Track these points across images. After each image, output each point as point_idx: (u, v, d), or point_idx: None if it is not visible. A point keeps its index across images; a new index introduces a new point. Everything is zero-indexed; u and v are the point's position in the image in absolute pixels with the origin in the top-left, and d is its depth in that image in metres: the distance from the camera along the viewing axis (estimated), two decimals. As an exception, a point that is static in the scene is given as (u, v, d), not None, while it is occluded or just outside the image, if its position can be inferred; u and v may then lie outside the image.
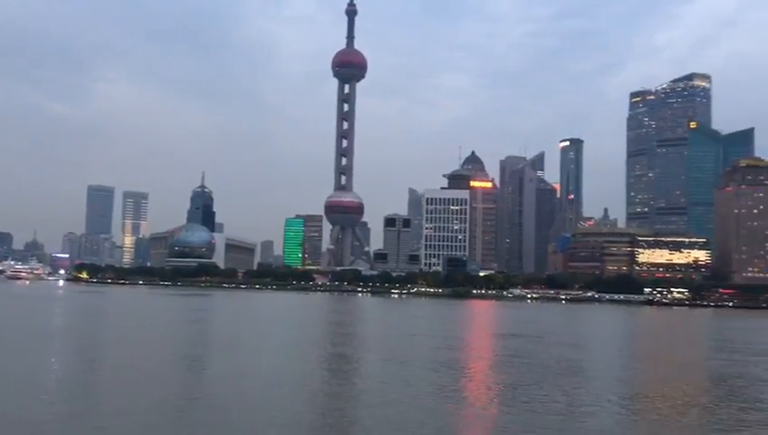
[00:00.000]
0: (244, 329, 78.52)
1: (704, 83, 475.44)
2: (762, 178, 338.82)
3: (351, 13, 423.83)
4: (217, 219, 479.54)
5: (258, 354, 50.02)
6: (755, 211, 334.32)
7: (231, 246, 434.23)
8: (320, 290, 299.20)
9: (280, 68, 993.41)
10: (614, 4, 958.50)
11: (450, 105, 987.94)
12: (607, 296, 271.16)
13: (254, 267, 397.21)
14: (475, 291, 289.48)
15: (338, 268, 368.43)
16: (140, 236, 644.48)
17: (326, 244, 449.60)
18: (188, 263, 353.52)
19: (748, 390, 39.87)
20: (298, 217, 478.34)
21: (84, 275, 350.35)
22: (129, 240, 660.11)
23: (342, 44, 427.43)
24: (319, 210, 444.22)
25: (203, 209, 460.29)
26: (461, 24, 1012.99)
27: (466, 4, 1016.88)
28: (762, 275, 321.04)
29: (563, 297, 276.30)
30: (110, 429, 24.55)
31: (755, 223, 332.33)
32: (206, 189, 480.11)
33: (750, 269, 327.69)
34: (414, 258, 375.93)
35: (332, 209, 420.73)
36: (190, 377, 38.90)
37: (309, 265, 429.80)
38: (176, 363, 43.62)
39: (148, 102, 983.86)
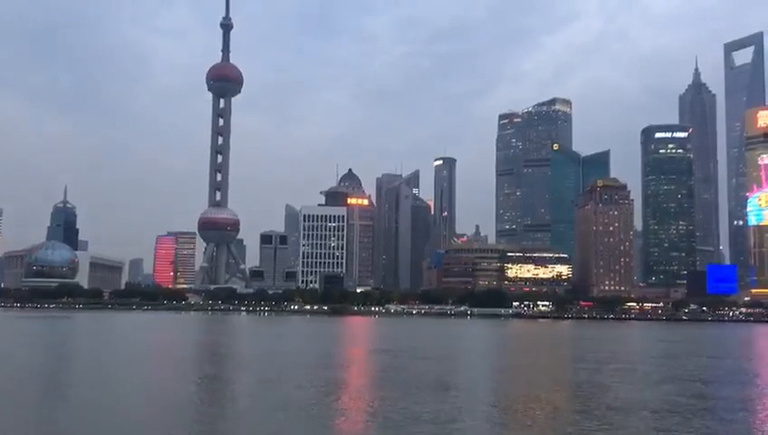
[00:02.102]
0: (105, 352, 73.94)
1: (565, 108, 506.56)
2: (617, 197, 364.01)
3: (227, 26, 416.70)
4: (81, 236, 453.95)
5: (121, 379, 47.23)
6: (611, 229, 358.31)
7: (96, 265, 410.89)
8: (193, 309, 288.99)
9: (153, 80, 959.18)
10: (485, 31, 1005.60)
11: (327, 123, 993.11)
12: (478, 310, 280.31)
13: (122, 287, 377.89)
14: (352, 307, 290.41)
15: (212, 287, 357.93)
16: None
17: (200, 262, 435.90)
18: (48, 283, 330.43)
19: (598, 394, 42.11)
20: (170, 233, 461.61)
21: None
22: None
23: (218, 58, 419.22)
24: (192, 227, 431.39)
25: (65, 226, 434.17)
26: (337, 42, 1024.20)
27: (343, 24, 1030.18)
28: (617, 287, 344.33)
29: (438, 312, 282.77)
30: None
31: (611, 239, 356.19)
32: (68, 205, 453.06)
33: (607, 283, 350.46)
34: (291, 275, 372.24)
35: (206, 226, 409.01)
36: (45, 407, 35.98)
37: (181, 283, 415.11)
38: (27, 390, 40.25)
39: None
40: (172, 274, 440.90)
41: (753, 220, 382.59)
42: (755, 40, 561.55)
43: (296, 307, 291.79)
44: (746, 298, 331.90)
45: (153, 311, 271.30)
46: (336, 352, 78.85)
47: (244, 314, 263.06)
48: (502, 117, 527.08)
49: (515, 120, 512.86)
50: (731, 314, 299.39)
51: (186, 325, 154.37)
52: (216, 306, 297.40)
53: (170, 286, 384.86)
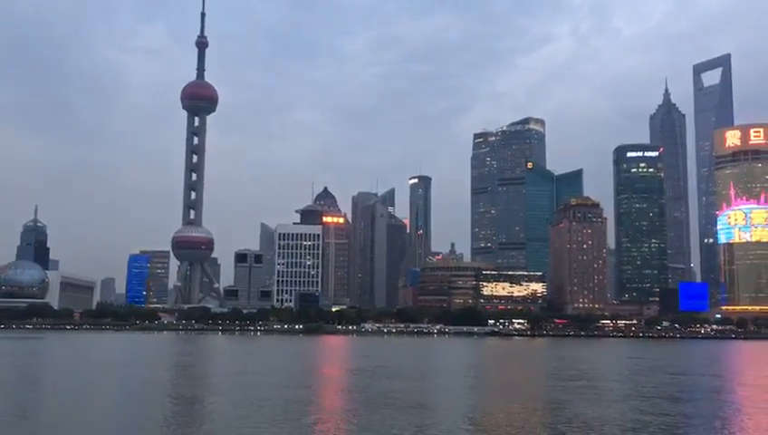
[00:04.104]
0: (74, 373, 72.91)
1: (538, 127, 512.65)
2: (590, 215, 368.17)
3: (202, 45, 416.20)
4: (52, 256, 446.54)
5: (90, 401, 46.68)
6: (585, 246, 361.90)
7: (67, 285, 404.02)
8: (166, 329, 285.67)
9: (126, 99, 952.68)
10: (460, 51, 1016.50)
11: (303, 141, 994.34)
12: (454, 329, 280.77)
13: (93, 307, 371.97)
14: (328, 326, 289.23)
15: (186, 306, 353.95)
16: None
17: (173, 281, 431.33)
18: (17, 303, 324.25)
19: (564, 411, 42.61)
20: (143, 252, 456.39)
21: None
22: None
23: (193, 77, 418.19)
24: (165, 246, 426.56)
25: (35, 245, 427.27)
26: (313, 62, 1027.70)
27: (318, 44, 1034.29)
28: (591, 305, 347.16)
29: (414, 330, 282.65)
30: None
31: (585, 257, 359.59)
32: (39, 224, 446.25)
33: (581, 300, 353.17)
34: (266, 294, 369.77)
35: (180, 245, 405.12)
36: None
37: (154, 303, 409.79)
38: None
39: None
40: (145, 293, 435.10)
41: (722, 238, 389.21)
42: (723, 61, 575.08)
43: (271, 326, 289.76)
44: (717, 315, 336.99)
45: (125, 331, 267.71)
46: (311, 372, 78.61)
47: (219, 333, 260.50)
48: (476, 136, 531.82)
49: (490, 139, 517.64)
50: (702, 330, 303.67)
51: (158, 345, 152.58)
52: (189, 326, 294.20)
53: (143, 306, 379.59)
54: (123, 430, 35.36)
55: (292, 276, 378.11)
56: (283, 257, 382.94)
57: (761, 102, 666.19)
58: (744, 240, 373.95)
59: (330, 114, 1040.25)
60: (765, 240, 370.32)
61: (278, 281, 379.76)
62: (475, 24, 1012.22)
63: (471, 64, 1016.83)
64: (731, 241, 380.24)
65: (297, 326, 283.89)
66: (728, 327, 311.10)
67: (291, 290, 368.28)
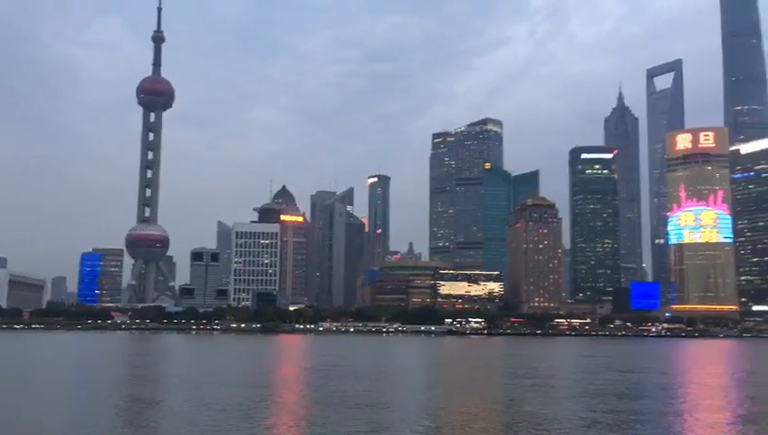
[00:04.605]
0: (21, 373, 70.98)
1: (496, 128, 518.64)
2: (546, 216, 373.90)
3: (158, 39, 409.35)
4: (0, 253, 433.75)
5: (39, 402, 45.57)
6: (540, 246, 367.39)
7: (16, 283, 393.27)
8: (119, 329, 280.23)
9: (80, 94, 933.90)
10: (419, 52, 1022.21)
11: (261, 140, 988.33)
12: (412, 328, 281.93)
13: (44, 306, 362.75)
14: (285, 325, 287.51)
15: (140, 305, 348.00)
16: None
17: (127, 279, 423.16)
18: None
19: (516, 408, 43.31)
20: (96, 250, 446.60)
21: None
22: None
23: (149, 72, 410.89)
24: (119, 244, 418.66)
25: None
26: (273, 60, 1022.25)
27: (279, 42, 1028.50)
28: (546, 304, 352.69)
29: (372, 329, 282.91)
30: None
31: (541, 257, 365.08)
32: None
33: (537, 299, 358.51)
34: (222, 293, 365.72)
35: (135, 243, 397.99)
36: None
37: (107, 302, 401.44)
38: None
39: None
40: (97, 292, 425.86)
41: (673, 239, 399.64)
42: (675, 66, 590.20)
43: (228, 326, 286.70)
44: (667, 314, 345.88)
45: (76, 331, 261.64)
46: (267, 372, 78.08)
47: (173, 333, 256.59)
48: (435, 136, 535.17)
49: (448, 139, 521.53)
50: (653, 329, 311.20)
51: (110, 345, 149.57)
52: (143, 325, 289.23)
53: (95, 305, 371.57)
54: (72, 432, 34.61)
55: (249, 275, 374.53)
56: (241, 256, 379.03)
57: (711, 107, 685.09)
58: (693, 241, 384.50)
59: (289, 112, 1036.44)
60: (714, 241, 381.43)
61: (235, 280, 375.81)
62: (434, 25, 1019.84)
63: (430, 65, 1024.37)
64: (681, 242, 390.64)
65: (254, 326, 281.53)
66: (678, 326, 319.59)
67: (248, 289, 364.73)
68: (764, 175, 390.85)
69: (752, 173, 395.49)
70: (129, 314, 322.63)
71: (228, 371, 76.96)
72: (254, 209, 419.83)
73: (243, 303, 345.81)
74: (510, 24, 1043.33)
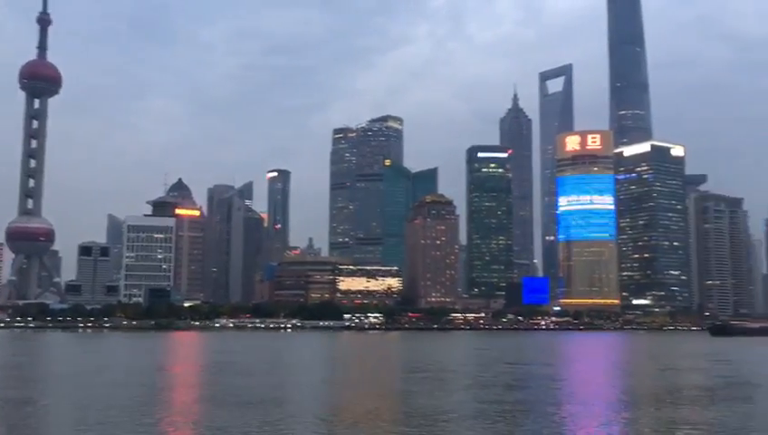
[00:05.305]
0: None
1: (397, 125, 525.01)
2: (444, 213, 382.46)
3: (44, 22, 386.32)
4: None
5: None
6: (438, 242, 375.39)
7: None
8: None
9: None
10: (321, 48, 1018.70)
11: (157, 131, 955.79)
12: (311, 323, 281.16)
13: None
14: (179, 322, 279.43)
15: (21, 302, 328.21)
16: None
17: (7, 275, 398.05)
18: None
19: (409, 401, 44.05)
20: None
21: None
22: None
23: (33, 56, 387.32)
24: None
25: None
26: (171, 49, 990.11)
27: (177, 30, 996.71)
28: (443, 299, 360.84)
29: (270, 326, 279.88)
30: None
31: (438, 253, 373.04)
32: None
33: (434, 294, 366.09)
34: (112, 289, 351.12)
35: (15, 236, 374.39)
36: None
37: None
38: None
39: None
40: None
41: (562, 236, 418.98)
42: (566, 71, 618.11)
43: (119, 323, 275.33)
44: (556, 308, 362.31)
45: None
46: (157, 370, 75.45)
47: (58, 331, 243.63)
48: (336, 131, 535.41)
49: (349, 135, 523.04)
50: (542, 322, 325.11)
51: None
52: (25, 323, 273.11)
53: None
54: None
55: (141, 270, 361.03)
56: (133, 251, 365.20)
57: (598, 110, 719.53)
58: (580, 238, 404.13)
59: (187, 103, 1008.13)
60: (599, 238, 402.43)
61: (126, 275, 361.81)
62: (335, 21, 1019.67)
63: (332, 60, 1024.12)
64: (569, 239, 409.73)
65: (147, 323, 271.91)
66: (565, 319, 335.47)
67: (140, 285, 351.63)
68: (645, 176, 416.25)
69: (633, 174, 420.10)
70: (9, 311, 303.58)
71: (114, 369, 73.83)
72: (148, 203, 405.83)
73: (134, 299, 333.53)
74: (411, 22, 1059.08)
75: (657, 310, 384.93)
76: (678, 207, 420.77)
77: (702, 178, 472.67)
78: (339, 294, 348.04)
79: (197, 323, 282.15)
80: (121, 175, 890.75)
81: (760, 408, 43.76)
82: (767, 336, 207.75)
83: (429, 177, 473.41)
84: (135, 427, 34.55)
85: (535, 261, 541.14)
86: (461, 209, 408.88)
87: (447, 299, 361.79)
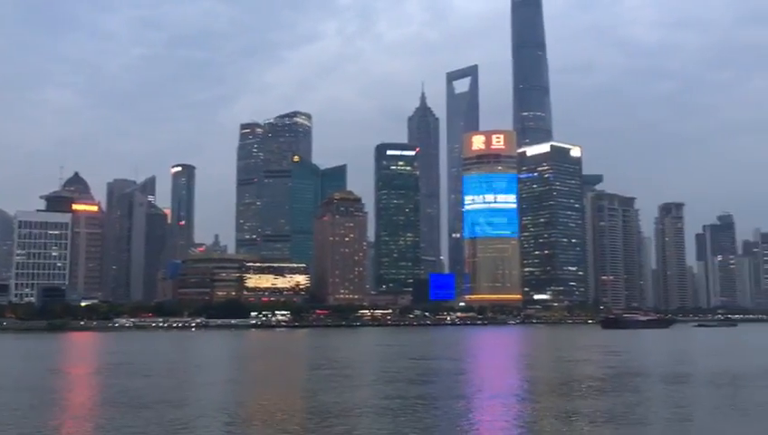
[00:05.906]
0: None
1: (305, 121, 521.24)
2: (352, 210, 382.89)
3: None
4: None
5: None
6: (347, 239, 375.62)
7: None
8: None
9: None
10: (228, 40, 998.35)
11: (52, 122, 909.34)
12: (216, 322, 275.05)
13: None
14: (76, 323, 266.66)
15: None
16: None
17: None
18: None
19: (316, 398, 44.05)
20: None
21: None
22: None
23: None
24: None
25: None
26: (68, 37, 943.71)
27: (75, 17, 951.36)
28: (351, 296, 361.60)
29: (174, 325, 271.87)
30: None
31: (347, 250, 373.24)
32: None
33: (342, 291, 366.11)
34: (2, 289, 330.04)
35: None
36: None
37: None
38: None
39: None
40: None
41: (467, 233, 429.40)
42: (472, 72, 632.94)
43: (9, 324, 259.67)
44: (461, 303, 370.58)
45: None
46: (48, 372, 71.81)
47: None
48: (244, 126, 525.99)
49: (257, 130, 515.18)
50: (448, 318, 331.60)
51: None
52: None
53: None
54: None
55: (34, 269, 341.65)
56: (24, 248, 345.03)
57: (502, 111, 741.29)
58: (484, 235, 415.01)
59: (85, 95, 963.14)
60: (502, 235, 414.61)
61: (17, 274, 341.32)
62: (243, 14, 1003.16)
63: (239, 54, 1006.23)
64: (474, 236, 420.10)
65: (39, 323, 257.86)
66: (470, 314, 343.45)
67: (33, 284, 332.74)
68: (546, 176, 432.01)
69: (535, 174, 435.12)
70: None
71: (1, 373, 69.75)
72: (42, 197, 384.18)
73: (26, 299, 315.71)
74: (320, 19, 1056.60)
75: (555, 304, 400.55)
76: (576, 205, 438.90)
77: (598, 178, 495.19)
78: (245, 292, 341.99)
79: (95, 323, 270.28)
80: (12, 168, 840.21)
81: (643, 397, 46.48)
82: (654, 328, 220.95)
83: (338, 174, 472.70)
84: (21, 433, 32.84)
85: (442, 258, 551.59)
86: (369, 207, 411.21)
87: (356, 296, 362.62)
